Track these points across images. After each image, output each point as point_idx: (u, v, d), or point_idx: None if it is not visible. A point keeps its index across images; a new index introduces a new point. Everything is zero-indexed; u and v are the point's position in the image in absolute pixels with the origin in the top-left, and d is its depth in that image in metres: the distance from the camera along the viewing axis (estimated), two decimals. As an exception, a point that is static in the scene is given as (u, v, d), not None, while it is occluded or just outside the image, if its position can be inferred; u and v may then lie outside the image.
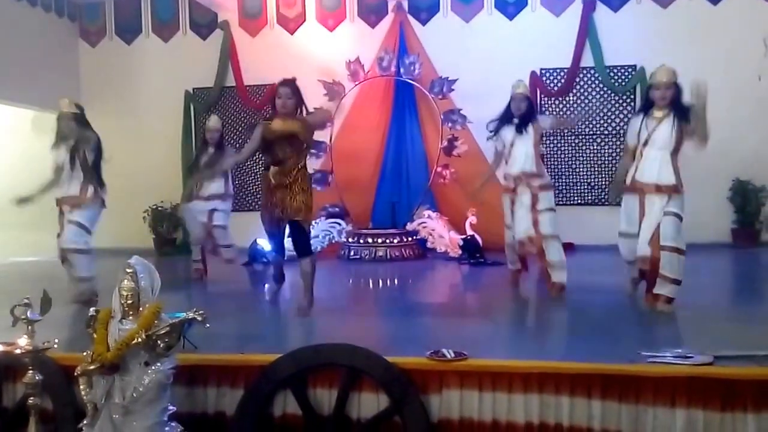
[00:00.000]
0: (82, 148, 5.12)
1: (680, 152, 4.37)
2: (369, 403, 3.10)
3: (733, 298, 5.46)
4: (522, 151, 5.05)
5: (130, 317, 2.83)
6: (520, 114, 5.10)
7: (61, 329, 3.89)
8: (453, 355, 3.10)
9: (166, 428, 2.83)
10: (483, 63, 8.42)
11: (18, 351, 2.77)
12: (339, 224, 8.00)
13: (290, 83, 4.43)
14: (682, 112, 4.32)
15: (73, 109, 5.28)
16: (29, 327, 2.79)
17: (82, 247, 5.17)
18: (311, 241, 7.79)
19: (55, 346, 2.87)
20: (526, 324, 4.47)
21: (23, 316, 2.79)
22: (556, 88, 8.49)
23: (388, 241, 7.69)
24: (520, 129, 5.08)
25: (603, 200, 8.42)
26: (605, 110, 8.45)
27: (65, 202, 5.21)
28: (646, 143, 4.38)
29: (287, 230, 4.71)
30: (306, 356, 3.16)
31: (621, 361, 2.99)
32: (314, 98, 8.00)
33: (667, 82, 4.34)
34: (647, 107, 4.47)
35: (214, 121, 6.47)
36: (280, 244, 4.84)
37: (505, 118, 5.19)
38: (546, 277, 5.02)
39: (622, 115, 8.38)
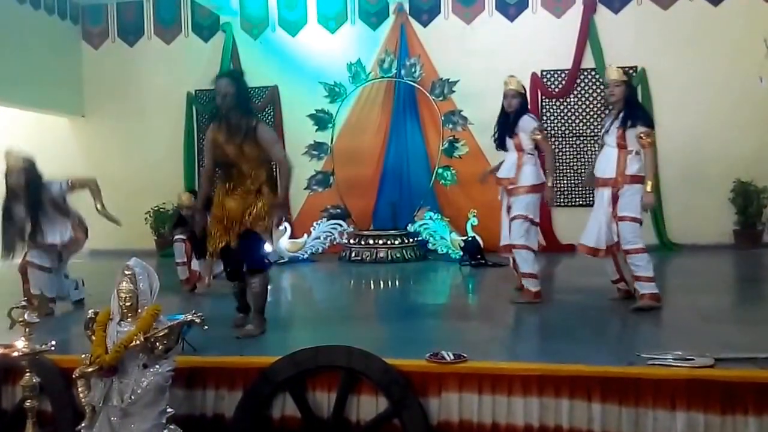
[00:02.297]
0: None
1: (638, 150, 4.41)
2: (368, 406, 3.09)
3: (735, 299, 5.41)
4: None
5: (129, 319, 2.83)
6: (512, 111, 4.87)
7: (60, 331, 3.88)
8: (452, 357, 3.09)
9: (165, 431, 2.83)
10: (484, 64, 8.39)
11: (15, 354, 2.77)
12: (340, 225, 7.99)
13: (229, 74, 4.13)
14: (631, 111, 4.44)
15: (22, 163, 4.80)
16: (27, 329, 2.79)
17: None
18: (311, 244, 7.89)
19: (53, 348, 2.87)
20: (526, 326, 4.45)
21: (21, 319, 2.79)
22: (556, 90, 8.47)
23: (389, 242, 7.67)
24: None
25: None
26: (606, 112, 8.41)
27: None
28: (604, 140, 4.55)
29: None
30: (305, 358, 3.15)
31: (621, 363, 2.98)
32: (315, 101, 8.07)
33: (615, 80, 4.48)
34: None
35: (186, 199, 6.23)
36: (238, 267, 4.05)
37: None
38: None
39: (623, 117, 8.37)
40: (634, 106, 4.53)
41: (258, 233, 3.87)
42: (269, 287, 4.09)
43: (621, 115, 4.45)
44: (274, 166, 4.24)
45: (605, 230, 4.48)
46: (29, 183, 4.76)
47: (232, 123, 3.86)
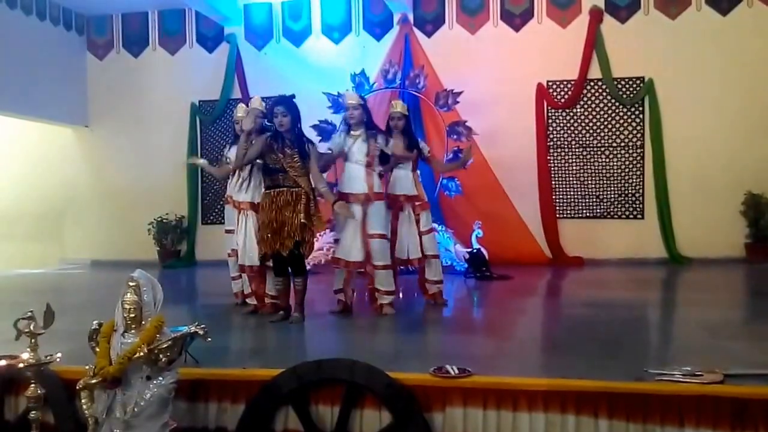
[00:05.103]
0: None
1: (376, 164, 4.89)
2: (371, 420, 3.05)
3: (745, 314, 5.34)
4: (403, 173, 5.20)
5: (133, 331, 2.82)
6: (399, 131, 5.21)
7: (64, 342, 3.86)
8: (457, 371, 3.05)
9: (167, 444, 2.80)
10: (489, 75, 8.40)
11: (21, 365, 2.76)
12: (344, 236, 7.95)
13: (284, 100, 4.63)
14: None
15: (263, 108, 5.16)
16: (32, 340, 2.78)
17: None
18: (313, 255, 7.84)
19: (58, 359, 2.86)
20: (532, 340, 4.41)
21: (26, 330, 2.78)
22: (562, 100, 8.46)
23: (392, 253, 7.62)
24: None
25: (612, 213, 8.36)
26: (613, 122, 8.40)
27: (244, 207, 5.15)
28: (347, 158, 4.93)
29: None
30: (307, 371, 3.12)
31: (628, 378, 2.93)
32: (319, 111, 8.07)
33: (354, 104, 4.90)
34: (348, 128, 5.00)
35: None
36: (284, 267, 4.76)
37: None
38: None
39: (630, 127, 8.33)
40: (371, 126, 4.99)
41: (300, 243, 4.59)
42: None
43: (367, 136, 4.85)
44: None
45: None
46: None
47: (288, 138, 4.61)
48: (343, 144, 4.94)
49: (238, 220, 5.16)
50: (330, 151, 4.98)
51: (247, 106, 5.43)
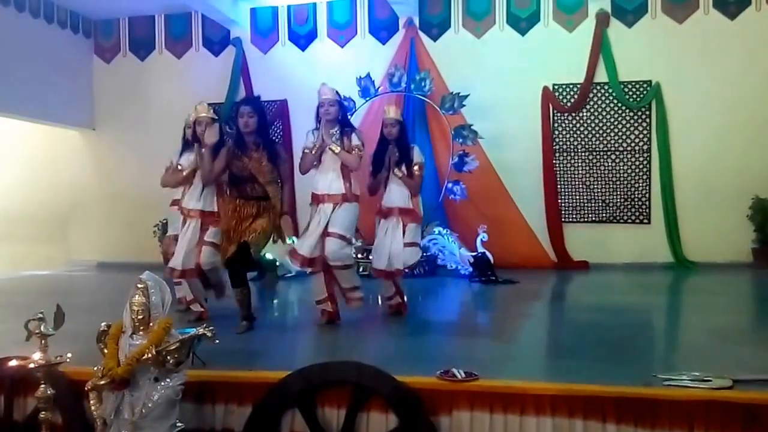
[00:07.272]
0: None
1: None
2: (378, 423, 3.05)
3: (753, 319, 5.31)
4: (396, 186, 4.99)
5: (141, 332, 2.84)
6: (392, 139, 4.96)
7: (72, 343, 3.88)
8: (463, 375, 3.05)
9: (174, 445, 2.81)
10: (495, 78, 8.40)
11: (32, 365, 2.78)
12: (348, 240, 7.95)
13: (251, 101, 4.54)
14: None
15: (212, 114, 5.00)
16: (42, 341, 2.79)
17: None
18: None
19: (68, 360, 2.88)
20: (539, 344, 4.41)
21: (37, 330, 2.80)
22: (568, 104, 8.45)
23: (398, 257, 7.62)
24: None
25: (618, 218, 8.33)
26: (620, 126, 8.38)
27: (193, 215, 4.91)
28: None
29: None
30: (314, 374, 3.13)
31: (636, 383, 2.93)
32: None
33: (329, 100, 4.59)
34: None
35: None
36: (241, 278, 4.52)
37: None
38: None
39: (637, 131, 8.31)
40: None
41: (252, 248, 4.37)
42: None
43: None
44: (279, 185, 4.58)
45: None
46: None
47: (252, 141, 4.44)
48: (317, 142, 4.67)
49: (183, 225, 4.92)
50: (308, 151, 4.64)
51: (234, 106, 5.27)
